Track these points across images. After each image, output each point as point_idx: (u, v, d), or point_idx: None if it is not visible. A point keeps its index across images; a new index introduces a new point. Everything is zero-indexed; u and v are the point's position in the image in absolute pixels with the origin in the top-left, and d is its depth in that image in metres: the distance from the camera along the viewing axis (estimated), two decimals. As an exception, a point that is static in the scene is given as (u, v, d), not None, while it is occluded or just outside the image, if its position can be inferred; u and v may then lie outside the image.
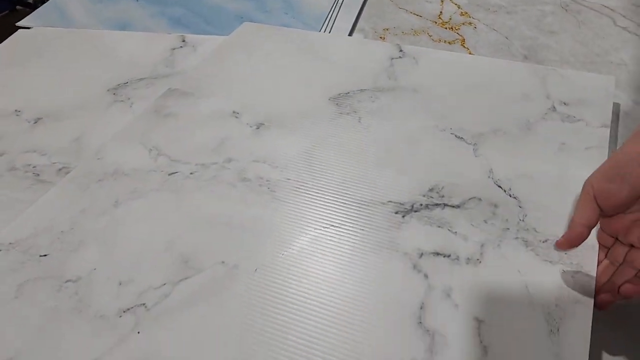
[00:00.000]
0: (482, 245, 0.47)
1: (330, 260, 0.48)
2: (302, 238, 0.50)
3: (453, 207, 0.51)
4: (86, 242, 0.51)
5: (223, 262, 0.49)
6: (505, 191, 0.51)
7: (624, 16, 0.83)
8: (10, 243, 0.51)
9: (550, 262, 0.45)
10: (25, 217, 0.54)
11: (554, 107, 0.60)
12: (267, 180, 0.56)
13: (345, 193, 0.54)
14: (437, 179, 0.54)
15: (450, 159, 0.56)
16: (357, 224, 0.51)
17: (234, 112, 0.66)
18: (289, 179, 0.56)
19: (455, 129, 0.60)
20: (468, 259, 0.46)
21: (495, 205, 0.50)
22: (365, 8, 0.91)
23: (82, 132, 0.66)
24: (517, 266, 0.45)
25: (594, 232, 0.44)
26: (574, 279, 0.43)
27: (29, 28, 0.92)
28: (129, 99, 0.72)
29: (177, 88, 0.71)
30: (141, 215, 0.54)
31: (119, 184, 0.57)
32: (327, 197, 0.54)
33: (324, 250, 0.49)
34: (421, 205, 0.52)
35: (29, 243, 0.51)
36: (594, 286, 0.42)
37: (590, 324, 0.40)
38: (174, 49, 0.82)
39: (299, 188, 0.55)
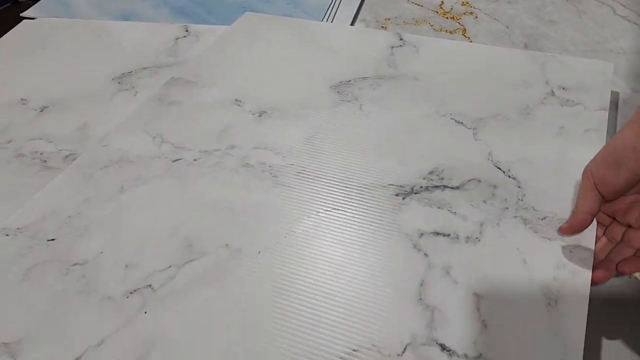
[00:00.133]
0: (481, 225, 0.48)
1: (333, 242, 0.48)
2: (304, 221, 0.51)
3: (453, 188, 0.52)
4: (92, 227, 0.52)
5: (227, 245, 0.49)
6: (504, 172, 0.52)
7: (623, 5, 0.83)
8: (17, 228, 0.52)
9: (549, 238, 0.46)
10: (32, 203, 0.55)
11: (553, 92, 0.61)
12: (270, 166, 0.57)
13: (347, 177, 0.55)
14: (437, 163, 0.55)
15: (450, 143, 0.57)
16: (358, 207, 0.51)
17: (236, 100, 0.67)
18: (291, 165, 0.57)
19: (455, 115, 0.60)
20: (467, 237, 0.47)
21: (495, 186, 0.51)
22: (367, -2, 0.92)
23: (88, 120, 0.67)
24: (515, 243, 0.46)
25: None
26: (572, 254, 0.44)
27: (33, 19, 0.93)
28: (133, 87, 0.73)
29: (180, 77, 0.71)
30: (146, 201, 0.54)
31: (124, 170, 0.58)
32: (329, 182, 0.54)
33: (326, 233, 0.49)
34: (421, 187, 0.52)
35: (36, 228, 0.52)
36: (592, 260, 0.43)
37: (588, 297, 0.41)
38: (177, 38, 0.83)
39: (301, 173, 0.56)
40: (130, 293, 0.46)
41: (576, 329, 0.40)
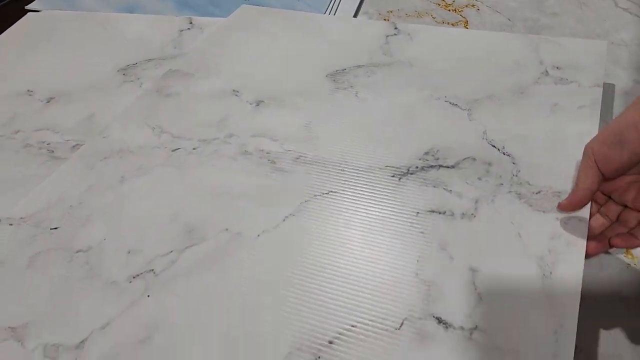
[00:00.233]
0: (476, 201, 0.48)
1: (330, 223, 0.49)
2: (303, 204, 0.51)
3: (448, 167, 0.52)
4: (94, 216, 0.53)
5: (226, 229, 0.50)
6: (499, 150, 0.53)
7: (625, -3, 0.84)
8: (21, 217, 0.53)
9: (544, 211, 0.46)
10: (35, 194, 0.56)
11: (547, 72, 0.61)
12: (268, 153, 0.58)
13: (344, 161, 0.55)
14: (433, 143, 0.55)
15: (445, 124, 0.57)
16: (355, 189, 0.52)
17: (233, 90, 0.68)
18: (288, 151, 0.58)
19: (449, 97, 0.61)
20: (463, 214, 0.48)
21: (489, 164, 0.52)
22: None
23: (94, 111, 0.68)
24: (510, 218, 0.46)
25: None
26: (566, 225, 0.44)
27: (38, 11, 0.95)
28: (138, 79, 0.74)
29: (177, 69, 0.72)
30: (146, 190, 0.55)
31: (124, 161, 0.59)
32: (326, 166, 0.55)
33: (324, 214, 0.50)
34: (417, 167, 0.53)
35: (39, 217, 0.53)
36: (586, 231, 0.43)
37: (583, 267, 0.41)
38: (181, 30, 0.84)
39: (298, 158, 0.56)
40: (133, 278, 0.47)
41: (571, 299, 0.40)
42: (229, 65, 0.72)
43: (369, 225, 0.48)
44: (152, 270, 0.48)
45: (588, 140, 0.43)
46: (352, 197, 0.51)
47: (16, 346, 0.43)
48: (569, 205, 0.44)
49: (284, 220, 0.50)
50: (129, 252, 0.49)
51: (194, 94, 0.68)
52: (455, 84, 0.62)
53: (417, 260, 0.45)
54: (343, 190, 0.52)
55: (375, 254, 0.46)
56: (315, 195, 0.52)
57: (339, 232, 0.48)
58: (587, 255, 0.43)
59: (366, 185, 0.52)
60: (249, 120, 0.63)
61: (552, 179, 0.49)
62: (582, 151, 0.44)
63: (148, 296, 0.46)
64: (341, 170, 0.54)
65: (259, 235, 0.49)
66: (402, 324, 0.41)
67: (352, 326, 0.41)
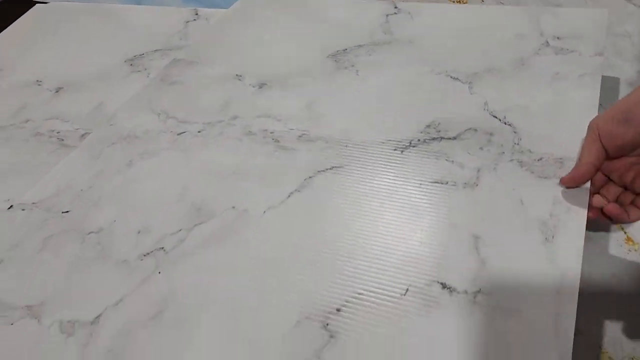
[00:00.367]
0: (478, 170, 0.49)
1: (334, 197, 0.50)
2: (307, 180, 0.52)
3: (449, 139, 0.53)
4: (104, 199, 0.54)
5: (233, 207, 0.51)
6: (500, 120, 0.53)
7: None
8: (33, 203, 0.55)
9: (545, 177, 0.46)
10: (45, 181, 0.57)
11: (548, 43, 0.61)
12: (272, 132, 0.59)
13: (347, 137, 0.56)
14: (434, 117, 0.56)
15: (446, 98, 0.58)
16: (358, 164, 0.53)
17: (236, 75, 0.69)
18: (292, 129, 0.58)
19: (450, 72, 0.61)
20: (465, 183, 0.48)
21: (491, 134, 0.52)
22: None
23: (102, 101, 0.70)
24: (512, 185, 0.47)
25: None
26: (568, 191, 0.45)
27: (46, 3, 0.96)
28: (145, 69, 0.76)
29: (181, 58, 0.73)
30: (154, 172, 0.57)
31: (132, 146, 0.60)
32: (329, 143, 0.56)
33: (328, 189, 0.51)
34: (419, 140, 0.53)
35: (51, 202, 0.55)
36: (587, 195, 0.44)
37: (584, 230, 0.42)
38: (187, 21, 0.85)
39: (301, 136, 0.57)
40: (144, 256, 0.49)
41: (573, 261, 0.41)
42: (231, 52, 0.73)
43: (373, 197, 0.49)
44: (162, 248, 0.49)
45: (589, 107, 0.44)
46: (355, 172, 0.52)
47: (33, 323, 0.45)
48: (571, 180, 0.45)
49: (288, 196, 0.51)
50: (139, 232, 0.51)
51: (197, 80, 0.69)
52: (456, 59, 0.63)
53: (421, 230, 0.45)
54: (346, 165, 0.53)
55: (379, 225, 0.47)
56: (319, 171, 0.53)
57: (343, 206, 0.49)
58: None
59: (369, 159, 0.53)
60: (252, 102, 0.64)
61: (554, 146, 0.49)
62: (587, 125, 0.44)
63: (159, 273, 0.47)
64: (344, 146, 0.55)
65: (264, 212, 0.50)
66: (407, 290, 0.42)
67: (359, 294, 0.42)
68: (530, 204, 0.45)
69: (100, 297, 0.46)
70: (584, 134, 0.45)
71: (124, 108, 0.66)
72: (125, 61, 0.77)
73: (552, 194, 0.45)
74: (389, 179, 0.50)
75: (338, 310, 0.41)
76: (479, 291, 0.40)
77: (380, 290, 0.42)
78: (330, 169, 0.53)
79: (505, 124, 0.52)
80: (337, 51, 0.69)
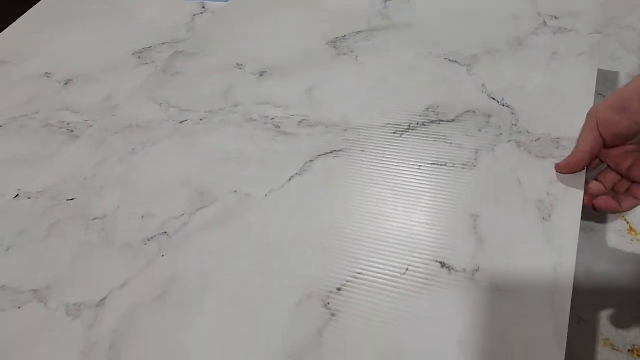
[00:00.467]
0: (476, 152, 0.49)
1: (335, 180, 0.51)
2: (308, 164, 0.53)
3: (448, 122, 0.53)
4: (108, 186, 0.55)
5: (235, 191, 0.52)
6: (498, 102, 0.53)
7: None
8: (38, 192, 0.56)
9: (543, 157, 0.47)
10: (50, 170, 0.58)
11: (545, 23, 0.61)
12: (272, 119, 0.59)
13: (346, 122, 0.56)
14: (433, 100, 0.56)
15: (444, 81, 0.58)
16: (358, 147, 0.53)
17: (237, 64, 0.69)
18: (292, 115, 0.59)
19: (448, 55, 0.61)
20: (463, 165, 0.49)
21: (489, 115, 0.52)
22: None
23: (111, 92, 0.70)
24: (510, 165, 0.47)
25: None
26: (564, 169, 0.45)
27: None
28: (153, 61, 0.76)
29: (182, 50, 0.74)
30: (156, 159, 0.57)
31: (134, 135, 0.61)
32: (329, 127, 0.56)
33: (328, 173, 0.51)
34: (418, 123, 0.54)
35: (56, 190, 0.56)
36: (584, 174, 0.44)
37: (581, 209, 0.42)
38: (194, 15, 0.85)
39: (301, 122, 0.58)
40: (148, 240, 0.49)
41: (570, 238, 0.41)
42: (232, 42, 0.73)
43: (372, 180, 0.49)
44: (166, 232, 0.50)
45: (587, 87, 0.44)
46: (355, 156, 0.52)
47: (40, 307, 0.46)
48: (566, 167, 0.45)
49: (289, 180, 0.52)
50: (142, 217, 0.51)
51: (199, 71, 0.69)
52: (454, 42, 0.63)
53: (420, 210, 0.46)
54: (346, 149, 0.53)
55: (379, 207, 0.47)
56: (319, 155, 0.53)
57: (343, 189, 0.49)
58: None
59: (368, 143, 0.53)
60: (253, 90, 0.64)
61: (551, 126, 0.49)
62: (585, 105, 0.44)
63: (162, 256, 0.48)
64: (344, 130, 0.55)
65: (266, 195, 0.51)
66: (407, 269, 0.42)
67: (359, 274, 0.43)
68: (527, 183, 0.45)
69: (105, 281, 0.47)
70: (582, 114, 0.46)
71: (126, 99, 0.67)
72: (133, 54, 0.78)
73: (549, 174, 0.45)
74: (389, 161, 0.51)
75: (339, 289, 0.42)
76: (477, 269, 0.41)
77: (380, 270, 0.43)
78: (330, 153, 0.53)
79: (503, 105, 0.53)
80: (337, 38, 0.70)
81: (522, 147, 0.48)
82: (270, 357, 0.39)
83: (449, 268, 0.42)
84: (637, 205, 0.42)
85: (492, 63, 0.58)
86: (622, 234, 0.54)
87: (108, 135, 0.61)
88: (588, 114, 0.44)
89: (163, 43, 0.80)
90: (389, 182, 0.49)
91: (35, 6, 0.92)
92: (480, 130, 0.51)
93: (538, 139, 0.48)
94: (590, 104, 0.49)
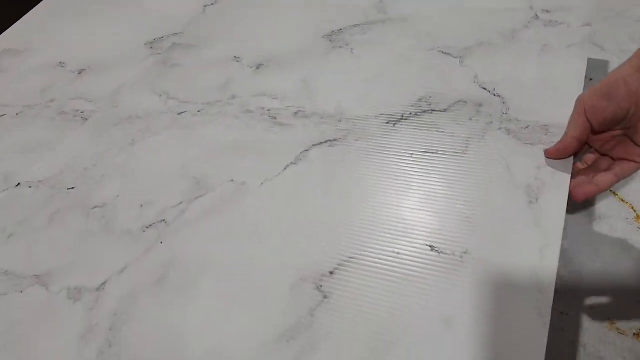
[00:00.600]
0: (467, 139, 0.50)
1: (329, 168, 0.52)
2: (303, 154, 0.54)
3: (440, 111, 0.54)
4: (108, 176, 0.57)
5: (232, 180, 0.53)
6: (489, 92, 0.54)
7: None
8: (39, 181, 0.57)
9: (531, 144, 0.48)
10: (50, 160, 0.59)
11: (537, 16, 0.62)
12: (268, 110, 0.60)
13: (340, 113, 0.58)
14: (425, 91, 0.57)
15: (437, 73, 0.59)
16: (352, 137, 0.54)
17: (235, 57, 0.70)
18: (288, 107, 0.60)
19: (442, 47, 0.62)
20: (454, 152, 0.50)
21: (480, 105, 0.53)
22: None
23: (124, 82, 0.71)
24: (499, 152, 0.48)
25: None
26: (552, 154, 0.46)
27: None
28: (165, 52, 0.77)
29: (180, 42, 0.75)
30: (155, 150, 0.58)
31: (134, 126, 0.62)
32: (324, 118, 0.57)
33: (323, 161, 0.53)
34: (410, 113, 0.55)
35: (56, 179, 0.57)
36: (572, 160, 0.45)
37: (567, 193, 0.43)
38: (206, 5, 0.86)
39: (297, 113, 0.59)
40: (147, 227, 0.51)
41: (556, 221, 0.42)
42: (230, 35, 0.75)
43: (365, 168, 0.51)
44: (164, 220, 0.51)
45: (576, 77, 0.45)
46: (349, 145, 0.53)
47: (42, 291, 0.47)
48: (555, 152, 0.46)
49: (285, 169, 0.53)
50: (141, 206, 0.53)
51: (197, 63, 0.71)
52: (448, 35, 0.64)
53: (412, 196, 0.47)
54: (341, 138, 0.54)
55: (372, 194, 0.48)
56: (314, 145, 0.54)
57: (337, 177, 0.51)
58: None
59: (362, 132, 0.54)
60: (250, 82, 0.65)
61: (540, 114, 0.50)
62: (574, 94, 0.45)
63: (161, 243, 0.49)
64: (338, 121, 0.56)
65: (262, 184, 0.52)
66: (397, 253, 0.44)
67: (351, 258, 0.44)
68: (516, 169, 0.46)
69: (105, 266, 0.48)
70: (571, 103, 0.47)
71: (126, 91, 0.68)
72: (145, 44, 0.79)
73: (538, 160, 0.46)
74: (382, 150, 0.52)
75: (331, 273, 0.43)
76: (465, 252, 0.42)
77: (371, 254, 0.44)
78: (325, 142, 0.54)
79: (494, 95, 0.54)
80: (332, 31, 0.71)
81: (512, 135, 0.49)
82: (264, 337, 0.40)
83: (438, 251, 0.43)
84: (616, 183, 0.43)
85: (485, 55, 0.59)
86: (630, 222, 0.55)
87: (108, 126, 0.63)
88: (577, 101, 0.45)
89: (175, 34, 0.81)
90: (382, 169, 0.50)
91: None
92: (471, 119, 0.52)
93: (527, 127, 0.50)
94: (579, 92, 0.50)
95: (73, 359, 0.42)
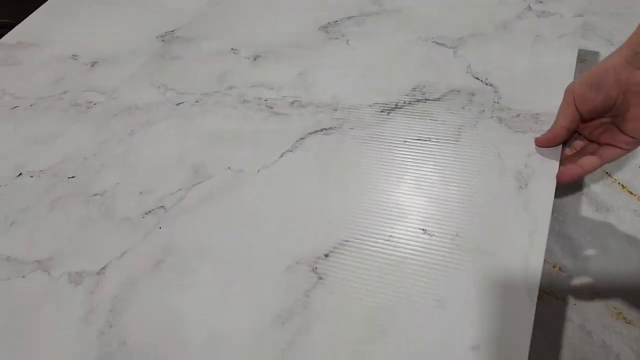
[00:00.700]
0: (459, 127, 0.51)
1: (324, 155, 0.53)
2: (298, 142, 0.55)
3: (433, 100, 0.55)
4: (108, 165, 0.58)
5: (229, 167, 0.54)
6: (482, 81, 0.55)
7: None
8: (40, 170, 0.58)
9: (522, 132, 0.49)
10: (51, 150, 0.60)
11: (530, 7, 0.63)
12: (265, 100, 0.61)
13: (336, 102, 0.59)
14: (419, 80, 0.58)
15: (431, 63, 0.60)
16: (347, 126, 0.55)
17: (232, 49, 0.71)
18: (284, 97, 0.61)
19: (436, 38, 0.63)
20: (447, 139, 0.51)
21: (473, 94, 0.54)
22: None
23: (135, 74, 0.72)
24: (491, 140, 0.49)
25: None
26: (541, 141, 0.47)
27: None
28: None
29: (179, 35, 0.76)
30: (154, 139, 0.59)
31: (133, 117, 0.63)
32: (319, 107, 0.58)
33: (318, 149, 0.54)
34: (404, 102, 0.56)
35: (57, 169, 0.58)
36: (561, 147, 0.46)
37: (555, 179, 0.44)
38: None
39: (293, 103, 0.60)
40: (146, 214, 0.52)
41: (544, 205, 0.43)
42: (227, 28, 0.76)
43: (360, 155, 0.52)
44: (163, 206, 0.52)
45: (567, 66, 0.46)
46: (344, 132, 0.54)
47: (43, 275, 0.48)
48: (545, 141, 0.47)
49: (281, 156, 0.54)
50: (140, 193, 0.54)
51: (195, 55, 0.71)
52: (442, 26, 0.65)
53: (404, 182, 0.48)
54: (336, 127, 0.56)
55: (366, 179, 0.49)
56: (309, 133, 0.55)
57: (332, 163, 0.52)
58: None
59: (357, 121, 0.55)
60: (247, 73, 0.66)
61: (531, 103, 0.51)
62: (563, 84, 0.46)
63: (160, 228, 0.50)
64: (334, 110, 0.58)
65: (258, 171, 0.53)
66: (391, 236, 0.45)
67: (346, 241, 0.45)
68: (507, 156, 0.47)
69: (105, 251, 0.49)
70: (561, 92, 0.48)
71: (125, 83, 0.69)
72: (157, 37, 0.80)
73: (528, 147, 0.48)
74: (376, 138, 0.53)
75: (326, 255, 0.44)
76: (457, 235, 0.43)
77: (365, 237, 0.45)
78: (320, 130, 0.55)
79: (486, 84, 0.55)
80: (328, 23, 0.72)
81: (503, 123, 0.50)
82: (260, 318, 0.42)
83: (430, 234, 0.44)
84: (600, 166, 0.44)
85: (478, 45, 0.61)
86: (637, 214, 0.55)
87: (108, 117, 0.64)
88: (566, 90, 0.46)
89: (179, 27, 0.82)
90: (376, 156, 0.51)
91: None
92: (463, 108, 0.53)
93: (518, 115, 0.51)
94: (569, 81, 0.51)
95: (74, 340, 0.43)
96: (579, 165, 0.44)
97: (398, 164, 0.50)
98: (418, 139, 0.52)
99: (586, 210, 0.55)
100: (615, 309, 0.48)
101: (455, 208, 0.45)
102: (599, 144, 0.45)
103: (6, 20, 1.70)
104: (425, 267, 0.42)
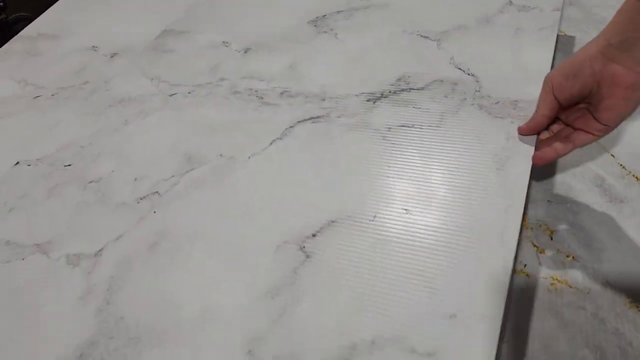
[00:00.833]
0: (442, 114, 0.54)
1: (312, 142, 0.55)
2: (287, 130, 0.57)
3: (417, 90, 0.57)
4: (103, 154, 0.59)
5: (221, 155, 0.56)
6: (464, 71, 0.58)
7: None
8: (37, 159, 0.60)
9: (501, 117, 0.51)
10: (47, 140, 0.62)
11: (511, 2, 0.66)
12: (256, 91, 0.63)
13: (324, 92, 0.61)
14: (404, 71, 0.60)
15: (416, 55, 0.62)
16: (334, 114, 0.58)
17: (224, 42, 0.73)
18: (274, 88, 0.63)
19: (421, 31, 0.66)
20: (429, 125, 0.53)
21: (455, 83, 0.57)
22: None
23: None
24: (471, 125, 0.52)
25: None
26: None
27: None
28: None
29: (172, 29, 0.78)
30: (148, 129, 0.61)
31: (127, 108, 0.65)
32: (308, 97, 0.61)
33: (306, 136, 0.56)
34: (389, 92, 0.58)
35: (54, 157, 0.60)
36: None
37: (531, 160, 0.47)
38: None
39: (283, 93, 0.62)
40: (141, 199, 0.54)
41: (519, 185, 0.46)
42: (219, 20, 0.78)
43: (347, 141, 0.54)
44: (157, 192, 0.54)
45: (545, 57, 0.48)
46: (331, 121, 0.57)
47: (42, 257, 0.50)
48: (528, 129, 0.49)
49: (270, 143, 0.56)
50: (135, 180, 0.56)
51: (187, 48, 0.73)
52: (427, 20, 0.67)
53: (388, 166, 0.50)
54: (324, 115, 0.58)
55: (352, 164, 0.51)
56: (298, 122, 0.58)
57: (320, 149, 0.54)
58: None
59: (344, 110, 0.58)
60: (238, 65, 0.69)
61: (510, 91, 0.54)
62: (541, 72, 0.48)
63: (154, 212, 0.52)
64: (322, 99, 0.60)
65: (249, 158, 0.55)
66: (375, 216, 0.47)
67: (332, 221, 0.47)
68: (486, 140, 0.50)
69: (102, 235, 0.51)
70: (539, 80, 0.50)
71: (119, 75, 0.71)
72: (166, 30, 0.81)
73: (506, 131, 0.50)
74: (362, 125, 0.55)
75: (313, 235, 0.47)
76: (437, 213, 0.46)
77: (351, 218, 0.47)
78: (308, 119, 0.58)
79: (468, 74, 0.57)
80: (317, 17, 0.74)
81: (484, 109, 0.53)
82: (250, 294, 0.44)
83: (412, 214, 0.46)
84: (572, 150, 0.47)
85: (461, 38, 0.63)
86: None
87: (103, 108, 0.66)
88: (544, 80, 0.48)
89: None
90: (362, 142, 0.53)
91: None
92: (446, 96, 0.56)
93: (498, 102, 0.53)
94: (547, 71, 0.54)
95: (73, 318, 0.45)
96: (553, 149, 0.47)
97: (383, 149, 0.52)
98: (402, 126, 0.54)
99: (600, 201, 0.58)
100: (628, 297, 0.50)
101: (437, 189, 0.47)
102: (574, 129, 0.48)
103: (25, 14, 1.72)
104: (407, 243, 0.44)
